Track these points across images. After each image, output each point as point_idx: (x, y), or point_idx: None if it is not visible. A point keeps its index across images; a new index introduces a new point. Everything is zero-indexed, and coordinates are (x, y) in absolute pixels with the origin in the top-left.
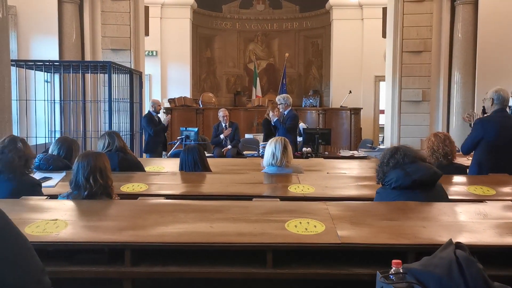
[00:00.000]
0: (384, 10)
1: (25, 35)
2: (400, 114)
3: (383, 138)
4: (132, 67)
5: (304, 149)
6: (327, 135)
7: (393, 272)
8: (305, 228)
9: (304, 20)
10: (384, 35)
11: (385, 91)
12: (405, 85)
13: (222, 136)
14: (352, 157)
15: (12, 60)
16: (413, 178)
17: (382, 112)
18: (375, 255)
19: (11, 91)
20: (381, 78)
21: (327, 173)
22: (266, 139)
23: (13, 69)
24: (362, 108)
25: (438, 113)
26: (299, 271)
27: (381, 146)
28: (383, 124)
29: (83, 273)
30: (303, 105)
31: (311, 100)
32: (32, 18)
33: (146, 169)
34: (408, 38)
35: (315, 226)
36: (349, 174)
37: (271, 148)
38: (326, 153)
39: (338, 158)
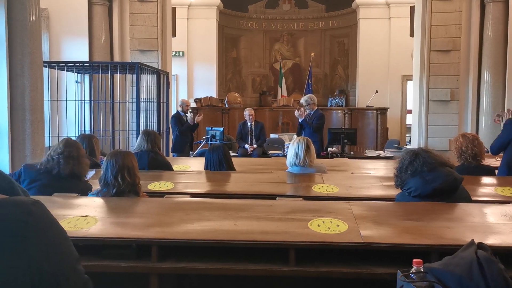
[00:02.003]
0: (412, 8)
1: (56, 37)
2: (428, 114)
3: (410, 138)
4: (160, 68)
5: (329, 149)
6: (352, 135)
7: (414, 271)
8: (328, 227)
9: (330, 20)
10: (411, 34)
11: (413, 90)
12: (433, 85)
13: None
14: (378, 157)
15: (44, 62)
16: (432, 186)
17: (410, 112)
18: (397, 255)
19: (43, 91)
20: (409, 77)
21: (352, 173)
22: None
23: (45, 70)
24: (388, 108)
25: (467, 113)
26: (321, 270)
27: (408, 147)
28: (410, 124)
29: (112, 267)
30: (328, 105)
31: (337, 100)
32: (63, 20)
33: (173, 168)
34: (436, 37)
35: (338, 226)
36: (374, 174)
37: (294, 148)
38: (352, 153)
39: (363, 158)
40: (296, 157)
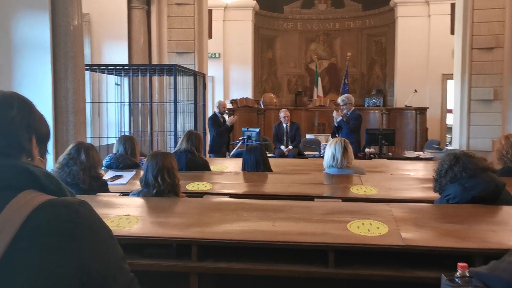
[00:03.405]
0: (453, 5)
1: (97, 40)
2: (470, 113)
3: (451, 139)
4: (196, 69)
5: (367, 149)
6: (391, 136)
7: (459, 276)
8: (367, 229)
9: (367, 19)
10: (452, 32)
11: (453, 89)
12: (475, 84)
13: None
14: (417, 158)
15: (86, 65)
16: (472, 194)
17: (450, 111)
18: (439, 259)
19: (85, 94)
20: (449, 76)
21: (391, 174)
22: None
23: (87, 73)
24: (428, 108)
25: (511, 112)
26: (361, 272)
27: (449, 147)
28: (451, 124)
29: (153, 266)
30: (365, 105)
31: (374, 100)
32: (104, 24)
33: (211, 168)
34: (479, 34)
35: (378, 228)
36: (414, 175)
37: (331, 149)
38: (390, 154)
39: (402, 159)
40: (333, 159)
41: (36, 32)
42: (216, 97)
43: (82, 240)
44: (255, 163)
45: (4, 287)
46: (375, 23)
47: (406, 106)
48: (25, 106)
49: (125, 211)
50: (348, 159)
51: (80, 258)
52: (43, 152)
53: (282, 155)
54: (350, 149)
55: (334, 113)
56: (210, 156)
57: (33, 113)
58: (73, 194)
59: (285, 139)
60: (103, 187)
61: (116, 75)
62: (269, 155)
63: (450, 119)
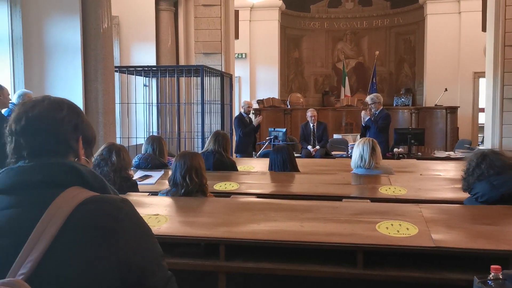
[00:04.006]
0: (484, 2)
1: (126, 42)
2: (503, 112)
3: (483, 138)
4: (223, 70)
5: (395, 149)
6: (420, 135)
7: (492, 278)
8: (397, 230)
9: (395, 17)
10: (484, 29)
11: (485, 88)
12: (508, 82)
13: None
14: (448, 158)
15: (115, 67)
16: (501, 192)
17: (482, 110)
18: (470, 261)
19: (115, 95)
20: (481, 74)
21: (421, 174)
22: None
23: (116, 74)
24: (459, 107)
25: None
26: (391, 273)
27: (481, 147)
28: (483, 123)
29: (182, 265)
30: (394, 104)
31: (403, 99)
32: (132, 26)
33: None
34: (511, 31)
35: (407, 229)
36: (444, 176)
37: (358, 150)
38: (419, 154)
39: (432, 159)
40: (361, 159)
41: (67, 35)
42: (243, 98)
43: (123, 235)
44: (282, 163)
45: (49, 276)
46: (404, 21)
47: (436, 105)
48: (74, 109)
49: (154, 210)
50: (376, 160)
51: (120, 252)
52: (89, 154)
53: (309, 155)
54: (378, 149)
55: (363, 113)
56: (236, 156)
57: (81, 116)
58: (117, 193)
59: (312, 139)
60: (133, 187)
61: (144, 76)
62: (296, 155)
63: (482, 118)
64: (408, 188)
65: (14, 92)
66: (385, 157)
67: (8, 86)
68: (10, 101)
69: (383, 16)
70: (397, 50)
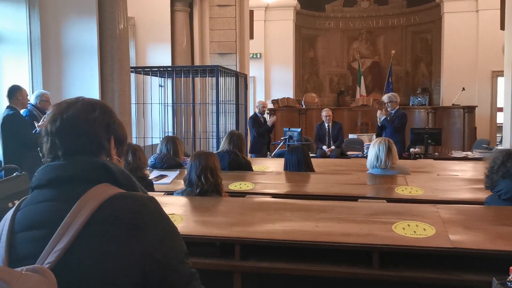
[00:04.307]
0: (503, 0)
1: (142, 43)
2: None
3: (502, 138)
4: (238, 70)
5: (412, 149)
6: (437, 135)
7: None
8: (413, 230)
9: (411, 15)
10: (502, 27)
11: (504, 87)
12: None
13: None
14: (465, 158)
15: (131, 67)
16: None
17: (501, 110)
18: (489, 262)
19: (130, 95)
20: (499, 73)
21: (438, 175)
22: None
23: (132, 75)
24: (477, 106)
25: None
26: (407, 274)
27: (499, 147)
28: (502, 123)
29: (198, 264)
30: (410, 104)
31: (419, 99)
32: (148, 27)
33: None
34: None
35: (424, 229)
36: (462, 176)
37: (374, 150)
38: (436, 154)
39: (449, 160)
40: (377, 159)
41: (84, 36)
42: (258, 97)
43: (147, 231)
44: (297, 163)
45: (73, 266)
46: (420, 19)
47: (453, 104)
48: (106, 110)
49: (169, 209)
50: (393, 160)
51: (144, 248)
52: (120, 154)
53: (324, 155)
54: (395, 149)
55: (378, 113)
56: (251, 156)
57: (113, 117)
58: (145, 192)
59: (327, 139)
60: (149, 187)
61: (159, 76)
62: (311, 155)
63: (500, 118)
64: (425, 189)
65: (32, 92)
66: (401, 157)
67: (27, 86)
68: (28, 102)
69: (399, 15)
70: (413, 49)
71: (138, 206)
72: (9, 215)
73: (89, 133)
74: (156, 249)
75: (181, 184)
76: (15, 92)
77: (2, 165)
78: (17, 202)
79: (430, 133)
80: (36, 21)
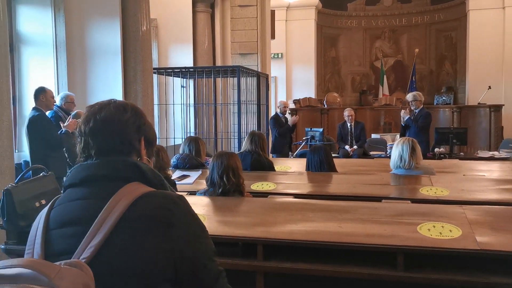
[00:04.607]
0: None
1: (164, 44)
2: None
3: None
4: (259, 70)
5: (436, 149)
6: (462, 135)
7: None
8: (439, 232)
9: (436, 13)
10: None
11: None
12: None
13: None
14: (492, 158)
15: (153, 68)
16: None
17: None
18: None
19: (153, 96)
20: None
21: (463, 175)
22: None
23: (154, 76)
24: (503, 105)
25: None
26: (433, 276)
27: None
28: None
29: (220, 264)
30: (435, 103)
31: (444, 98)
32: (170, 28)
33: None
34: None
35: (450, 231)
36: (488, 176)
37: (398, 150)
38: (462, 154)
39: (475, 159)
40: (401, 159)
41: (107, 38)
42: (279, 97)
43: (178, 228)
44: (319, 163)
45: (107, 262)
46: (445, 17)
47: (479, 103)
48: (137, 112)
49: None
50: (417, 160)
51: (174, 244)
52: (150, 154)
53: (346, 155)
54: (419, 149)
55: (402, 112)
56: (272, 156)
57: (143, 119)
58: (173, 190)
59: (349, 138)
60: (172, 187)
61: (181, 77)
62: (333, 155)
63: None
64: (450, 189)
65: (58, 94)
66: (425, 157)
67: (53, 88)
68: (54, 103)
69: (423, 13)
70: (437, 48)
71: (169, 203)
72: (43, 213)
73: (121, 133)
74: (186, 246)
75: (203, 184)
76: (39, 94)
77: (30, 165)
78: (44, 202)
79: (455, 133)
80: (61, 24)
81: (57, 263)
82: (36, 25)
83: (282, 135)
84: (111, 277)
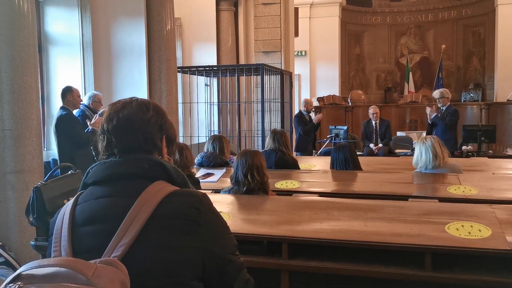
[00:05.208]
0: None
1: (188, 43)
2: None
3: None
4: (283, 68)
5: (464, 147)
6: (491, 132)
7: None
8: (468, 231)
9: (463, 8)
10: None
11: None
12: None
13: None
14: None
15: (178, 67)
16: None
17: None
18: None
19: (177, 95)
20: None
21: (492, 173)
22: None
23: (178, 75)
24: None
25: None
26: (462, 277)
27: None
28: None
29: (245, 262)
30: (462, 100)
31: (471, 94)
32: (194, 27)
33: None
34: None
35: (479, 230)
36: None
37: (422, 147)
38: (490, 151)
39: (504, 157)
40: (425, 157)
41: (133, 38)
42: (303, 95)
43: (205, 225)
44: (344, 161)
45: (138, 259)
46: (472, 12)
47: (508, 100)
48: (159, 111)
49: (217, 208)
50: (443, 157)
51: (202, 242)
52: (170, 152)
53: (371, 153)
54: (443, 146)
55: (428, 110)
56: (296, 155)
57: (165, 117)
58: (198, 189)
59: (374, 136)
60: (196, 185)
61: (205, 76)
62: (357, 153)
63: None
64: (479, 188)
65: (85, 93)
66: (453, 155)
67: (79, 87)
68: (81, 102)
69: (450, 8)
70: (465, 43)
71: (196, 202)
72: (67, 209)
73: (144, 132)
74: (213, 243)
75: (227, 182)
76: (66, 94)
77: (58, 163)
78: (72, 199)
79: (484, 130)
80: (87, 24)
81: (92, 261)
82: (63, 26)
83: (307, 133)
84: (141, 275)
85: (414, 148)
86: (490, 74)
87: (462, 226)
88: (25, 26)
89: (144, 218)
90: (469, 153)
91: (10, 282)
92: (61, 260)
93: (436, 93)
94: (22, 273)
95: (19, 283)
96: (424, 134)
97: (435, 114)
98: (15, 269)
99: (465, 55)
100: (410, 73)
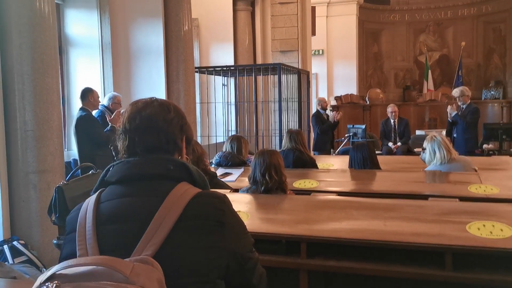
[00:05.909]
0: None
1: (205, 43)
2: None
3: None
4: (300, 67)
5: (485, 146)
6: None
7: None
8: (489, 231)
9: (483, 4)
10: None
11: None
12: None
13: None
14: None
15: (195, 68)
16: None
17: None
18: None
19: (195, 95)
20: None
21: None
22: None
23: (196, 75)
24: None
25: None
26: (483, 277)
27: None
28: None
29: (264, 261)
30: (482, 98)
31: (492, 92)
32: (211, 28)
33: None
34: None
35: (501, 230)
36: None
37: (434, 144)
38: None
39: None
40: (440, 153)
41: (151, 39)
42: (320, 95)
43: (228, 226)
44: (363, 160)
45: (167, 259)
46: (493, 9)
47: None
48: (179, 111)
49: (235, 207)
50: (452, 151)
51: (227, 242)
52: (188, 152)
53: (390, 152)
54: (448, 141)
55: (449, 108)
56: (314, 154)
57: (184, 118)
58: (219, 183)
59: (392, 135)
60: (213, 179)
61: (223, 76)
62: (376, 152)
63: None
64: (500, 187)
65: (104, 94)
66: (474, 154)
67: (98, 88)
68: (100, 103)
69: (470, 5)
70: (485, 40)
71: (219, 203)
72: (90, 207)
73: (167, 132)
74: (235, 241)
75: (245, 182)
76: (87, 94)
77: (78, 163)
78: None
79: (505, 128)
80: (106, 25)
81: (127, 259)
82: (82, 28)
83: (324, 132)
84: (170, 274)
85: (424, 148)
86: (511, 71)
87: (484, 225)
88: (46, 28)
89: (173, 219)
90: (490, 152)
91: (46, 281)
92: (97, 258)
93: (456, 91)
94: (56, 272)
95: (56, 282)
96: (444, 132)
97: (456, 112)
98: (37, 267)
99: (486, 52)
100: (429, 71)
